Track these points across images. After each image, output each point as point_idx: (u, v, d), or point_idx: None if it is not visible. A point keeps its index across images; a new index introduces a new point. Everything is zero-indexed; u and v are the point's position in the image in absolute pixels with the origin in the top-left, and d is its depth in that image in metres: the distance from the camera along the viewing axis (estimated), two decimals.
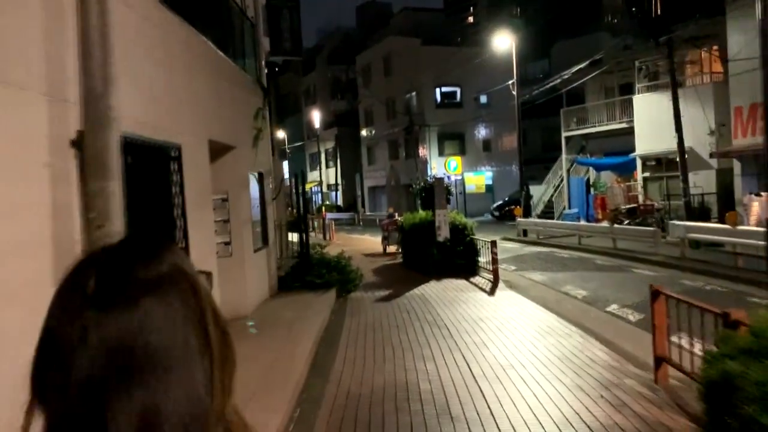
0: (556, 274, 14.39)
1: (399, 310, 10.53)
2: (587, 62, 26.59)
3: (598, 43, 32.31)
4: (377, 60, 46.09)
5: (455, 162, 39.07)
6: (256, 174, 11.08)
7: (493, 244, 13.16)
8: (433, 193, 15.60)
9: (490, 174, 42.47)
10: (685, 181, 19.03)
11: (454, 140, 42.01)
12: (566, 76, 26.35)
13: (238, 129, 9.51)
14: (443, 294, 11.93)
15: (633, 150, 26.54)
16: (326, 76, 58.70)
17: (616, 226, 18.46)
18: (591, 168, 30.35)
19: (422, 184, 16.52)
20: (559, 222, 24.10)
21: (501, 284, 12.87)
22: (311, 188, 55.74)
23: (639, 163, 24.35)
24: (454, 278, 13.78)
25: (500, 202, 37.86)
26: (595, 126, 28.88)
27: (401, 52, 42.44)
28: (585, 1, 62.51)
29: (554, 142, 41.39)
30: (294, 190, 12.56)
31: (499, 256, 13.90)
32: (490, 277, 13.57)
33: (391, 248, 20.64)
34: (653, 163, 23.94)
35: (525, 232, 24.75)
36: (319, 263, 12.26)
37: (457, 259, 14.57)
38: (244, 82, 10.43)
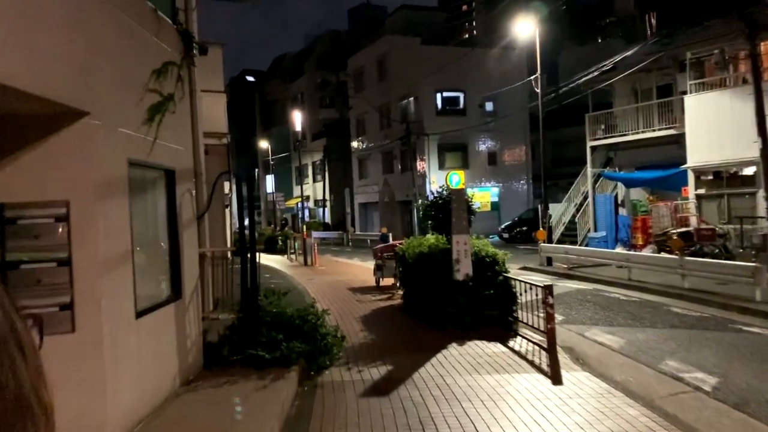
0: (631, 333, 9.74)
1: (407, 421, 5.84)
2: (621, 56, 22.27)
3: (610, 50, 27.76)
4: (371, 62, 41.69)
5: (458, 176, 34.50)
6: (162, 172, 6.45)
7: (548, 291, 8.50)
8: (448, 210, 11.00)
9: (496, 190, 37.96)
10: None
11: (456, 152, 37.51)
12: (604, 67, 21.91)
13: (100, 82, 4.88)
14: (476, 378, 7.24)
15: (673, 162, 22.15)
16: (315, 82, 54.32)
17: (688, 258, 13.87)
18: (620, 184, 25.91)
19: (432, 198, 11.93)
20: (600, 250, 19.47)
21: (561, 354, 8.24)
22: (297, 204, 51.16)
23: (691, 177, 19.85)
24: (485, 339, 9.11)
25: (509, 222, 33.28)
26: (626, 134, 24.42)
27: (398, 52, 38.07)
28: (593, 8, 58.76)
29: (566, 157, 37.13)
30: (240, 203, 7.77)
31: (531, 297, 9.33)
32: (538, 338, 8.93)
33: (386, 280, 16.02)
34: (710, 177, 19.46)
35: (549, 261, 20.18)
36: (274, 322, 7.56)
37: (486, 307, 9.92)
38: (135, 10, 5.81)
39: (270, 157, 54.01)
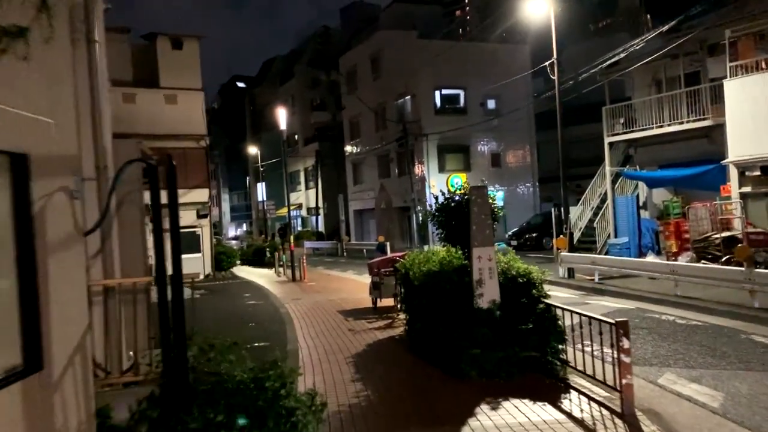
0: (725, 380, 7.06)
1: None
2: (647, 37, 19.79)
3: (616, 44, 25.06)
4: (364, 60, 39.09)
5: (459, 179, 32.05)
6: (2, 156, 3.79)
7: (622, 331, 5.86)
8: (464, 216, 8.41)
9: (500, 194, 35.29)
10: None
11: (457, 153, 34.91)
12: (621, 54, 19.38)
13: None
14: None
15: (702, 159, 19.71)
16: (306, 84, 51.79)
17: (759, 270, 11.23)
18: (643, 184, 23.34)
19: (442, 200, 9.29)
20: (637, 260, 16.83)
21: (643, 422, 5.60)
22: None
23: (734, 172, 17.24)
24: (526, 396, 6.43)
25: (517, 229, 30.65)
26: (650, 128, 21.83)
27: (393, 48, 35.49)
28: (596, 5, 56.41)
29: (573, 158, 34.55)
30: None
31: (570, 323, 6.79)
32: (603, 394, 6.32)
33: (385, 300, 13.41)
34: (756, 172, 16.85)
35: (571, 272, 17.56)
36: (215, 392, 4.88)
37: (522, 347, 7.25)
38: None
39: (259, 164, 51.35)
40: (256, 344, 10.13)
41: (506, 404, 6.26)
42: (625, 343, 5.81)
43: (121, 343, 5.34)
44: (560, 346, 7.30)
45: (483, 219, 8.02)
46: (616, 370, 5.95)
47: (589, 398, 6.33)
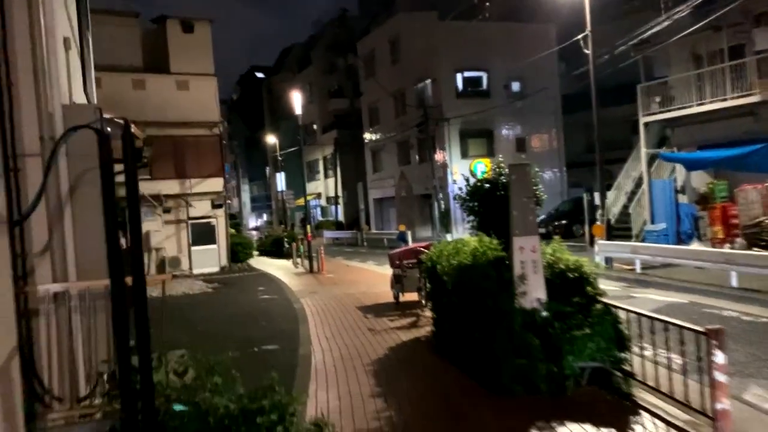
0: None
1: None
2: (690, 3, 18.20)
3: (638, 27, 23.27)
4: (383, 44, 37.74)
5: (483, 165, 30.67)
6: None
7: (716, 341, 4.61)
8: (501, 200, 7.20)
9: None
10: None
11: (480, 138, 33.48)
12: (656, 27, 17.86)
13: None
14: None
15: (745, 139, 18.20)
16: (324, 71, 50.56)
17: None
18: (680, 167, 21.80)
19: (473, 182, 8.08)
20: (685, 248, 15.26)
21: None
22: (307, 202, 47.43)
23: None
24: (587, 420, 5.21)
25: (545, 216, 29.17)
26: (690, 106, 20.28)
27: (412, 30, 34.09)
28: None
29: (602, 141, 33.07)
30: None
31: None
32: (684, 417, 5.07)
33: (408, 295, 12.24)
34: None
35: (609, 261, 16.23)
36: (189, 430, 3.75)
37: (576, 355, 6.03)
38: None
39: (278, 153, 50.32)
40: (265, 347, 9.06)
41: (563, 431, 5.05)
42: (720, 358, 4.55)
43: (77, 363, 4.21)
44: (621, 354, 6.05)
45: (525, 203, 6.81)
46: (707, 390, 4.70)
47: (667, 423, 5.08)
